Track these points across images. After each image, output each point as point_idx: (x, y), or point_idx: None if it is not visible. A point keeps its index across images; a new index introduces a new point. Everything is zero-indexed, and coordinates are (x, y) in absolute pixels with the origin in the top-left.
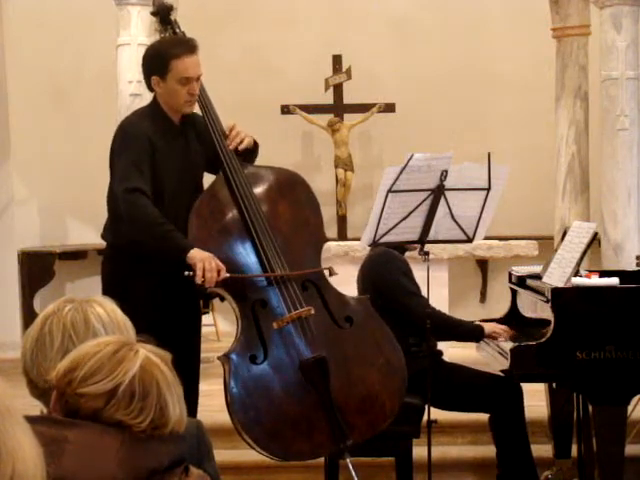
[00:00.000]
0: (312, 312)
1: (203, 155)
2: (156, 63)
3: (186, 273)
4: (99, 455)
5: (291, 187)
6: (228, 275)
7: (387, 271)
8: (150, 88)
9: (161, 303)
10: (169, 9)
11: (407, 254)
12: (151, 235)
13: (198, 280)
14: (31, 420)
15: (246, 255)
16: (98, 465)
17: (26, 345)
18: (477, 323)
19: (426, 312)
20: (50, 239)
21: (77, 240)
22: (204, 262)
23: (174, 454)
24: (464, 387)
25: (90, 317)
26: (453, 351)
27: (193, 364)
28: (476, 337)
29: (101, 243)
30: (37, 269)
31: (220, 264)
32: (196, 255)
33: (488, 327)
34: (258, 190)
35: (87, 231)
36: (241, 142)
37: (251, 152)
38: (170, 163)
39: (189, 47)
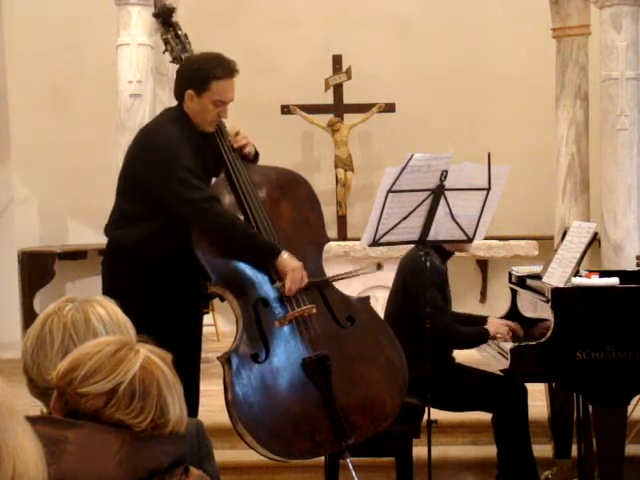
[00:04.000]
0: (314, 311)
1: (216, 165)
2: (196, 78)
3: (275, 285)
4: (99, 455)
5: (293, 187)
6: (307, 281)
7: (418, 280)
8: (178, 97)
9: (162, 303)
10: (171, 11)
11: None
12: (240, 240)
13: (286, 292)
14: (31, 420)
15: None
16: (98, 465)
17: (26, 344)
18: (482, 327)
19: (427, 313)
20: (50, 239)
21: (77, 240)
22: (295, 273)
23: (174, 454)
24: (468, 387)
25: (91, 317)
26: (454, 351)
27: (194, 364)
28: (482, 340)
29: (101, 243)
30: (37, 269)
31: (304, 274)
32: (288, 264)
33: (492, 328)
34: (261, 190)
35: (87, 231)
36: (245, 146)
37: (251, 162)
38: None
39: (231, 71)
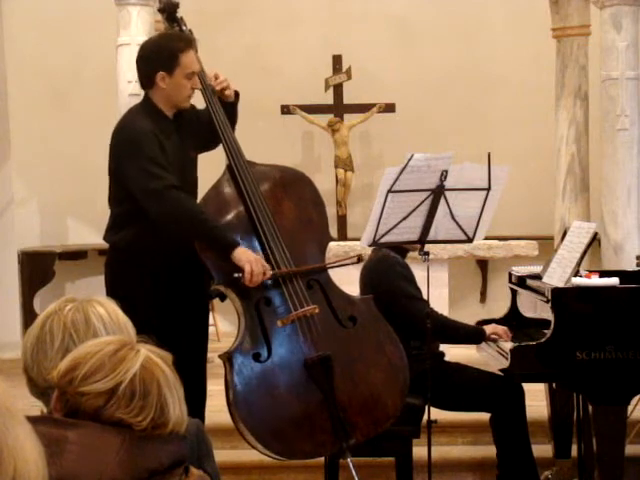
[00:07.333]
0: (316, 311)
1: (198, 142)
2: (163, 58)
3: (235, 275)
4: (100, 455)
5: (297, 186)
6: (271, 273)
7: (387, 277)
8: (145, 86)
9: (166, 304)
10: (175, 6)
11: (409, 254)
12: (196, 232)
13: (246, 283)
14: (32, 420)
15: (253, 252)
16: (98, 465)
17: (27, 344)
18: (477, 326)
19: (426, 313)
20: (50, 239)
21: (77, 240)
22: (252, 264)
23: (174, 454)
24: (466, 387)
25: (91, 316)
26: (454, 351)
27: (200, 364)
28: (477, 339)
29: (101, 243)
30: (37, 269)
31: (265, 264)
32: (243, 257)
33: (489, 329)
34: (264, 188)
35: (87, 231)
36: (227, 88)
37: (233, 105)
38: (169, 159)
39: (191, 42)
